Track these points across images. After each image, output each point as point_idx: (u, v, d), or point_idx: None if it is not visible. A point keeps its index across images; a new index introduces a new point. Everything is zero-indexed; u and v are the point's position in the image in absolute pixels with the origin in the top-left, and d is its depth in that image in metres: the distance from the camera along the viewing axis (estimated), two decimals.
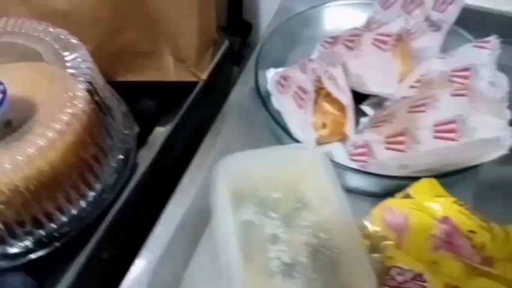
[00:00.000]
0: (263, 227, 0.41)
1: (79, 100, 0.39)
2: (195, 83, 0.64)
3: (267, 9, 0.82)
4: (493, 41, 0.53)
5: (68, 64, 0.42)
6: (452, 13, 0.57)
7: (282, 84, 0.57)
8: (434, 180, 0.47)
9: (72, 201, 0.42)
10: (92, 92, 0.41)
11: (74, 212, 0.42)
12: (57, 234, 0.42)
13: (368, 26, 0.60)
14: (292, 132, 0.54)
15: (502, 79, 0.53)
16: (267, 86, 0.60)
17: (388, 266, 0.43)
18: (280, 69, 0.61)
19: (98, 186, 0.44)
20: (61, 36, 0.44)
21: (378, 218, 0.46)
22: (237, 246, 0.39)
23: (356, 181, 0.51)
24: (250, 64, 0.63)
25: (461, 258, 0.43)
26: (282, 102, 0.57)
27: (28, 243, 0.40)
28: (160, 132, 0.60)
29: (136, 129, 0.54)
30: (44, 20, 0.46)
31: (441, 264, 0.43)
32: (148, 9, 0.51)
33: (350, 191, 0.51)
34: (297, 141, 0.52)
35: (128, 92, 0.55)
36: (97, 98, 0.42)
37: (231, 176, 0.44)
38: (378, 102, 0.58)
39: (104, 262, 0.49)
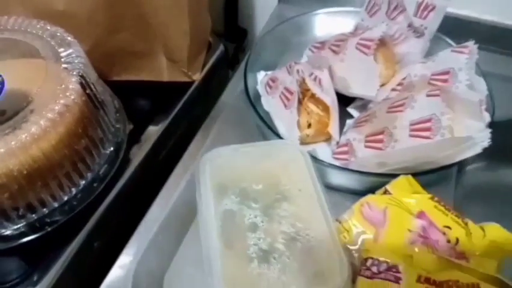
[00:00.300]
0: (243, 216, 0.43)
1: (71, 92, 0.42)
2: (189, 85, 0.67)
3: (262, 17, 0.85)
4: (471, 46, 0.55)
5: (63, 59, 0.45)
6: (433, 20, 0.59)
7: (270, 85, 0.60)
8: (411, 178, 0.48)
9: (64, 188, 0.44)
10: (84, 85, 0.44)
11: (65, 198, 0.44)
12: (48, 220, 0.44)
13: (355, 32, 0.63)
14: (279, 132, 0.56)
15: (481, 83, 0.55)
16: (257, 88, 0.63)
17: (364, 257, 0.44)
18: (270, 72, 0.63)
19: (89, 175, 0.46)
20: (57, 33, 0.47)
21: (357, 213, 0.48)
22: (217, 233, 0.41)
23: (339, 179, 0.53)
24: (243, 67, 0.66)
25: (436, 252, 0.45)
26: (270, 103, 0.59)
27: (21, 226, 0.42)
28: (154, 131, 0.62)
29: (130, 126, 0.56)
30: (42, 20, 0.49)
31: (416, 257, 0.44)
32: (141, 11, 0.54)
33: (332, 188, 0.53)
34: (282, 139, 0.54)
35: (124, 91, 0.58)
36: (88, 91, 0.45)
37: (215, 169, 0.46)
38: (364, 104, 0.61)
39: (95, 251, 0.51)
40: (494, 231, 0.47)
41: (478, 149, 0.48)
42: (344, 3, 0.72)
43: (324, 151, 0.56)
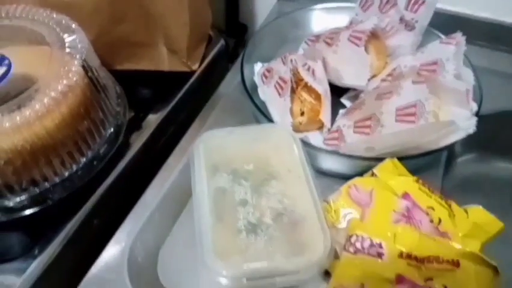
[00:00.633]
0: (234, 192, 0.45)
1: (73, 74, 0.45)
2: (189, 76, 0.69)
3: (262, 13, 0.88)
4: (459, 37, 0.57)
5: (67, 44, 0.48)
6: (424, 13, 0.62)
7: (266, 75, 0.62)
8: (396, 161, 0.50)
9: (65, 165, 0.47)
10: (86, 68, 0.47)
11: (66, 174, 0.47)
12: (50, 194, 0.46)
13: (349, 26, 0.65)
14: (274, 119, 0.58)
15: (468, 74, 0.57)
16: (254, 79, 0.65)
17: (349, 234, 0.46)
18: (266, 64, 0.66)
19: (89, 153, 0.49)
20: (62, 21, 0.50)
21: (344, 195, 0.50)
22: (208, 207, 0.44)
23: (328, 163, 0.55)
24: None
25: (419, 231, 0.46)
26: (266, 92, 0.61)
27: (24, 199, 0.45)
28: (154, 119, 0.65)
29: (130, 114, 0.59)
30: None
31: (399, 235, 0.46)
32: (143, 2, 0.57)
33: (323, 173, 0.55)
34: None
35: (127, 80, 0.61)
36: (90, 75, 0.48)
37: (208, 150, 0.49)
38: (356, 95, 0.63)
39: (94, 228, 0.53)
40: (478, 213, 0.49)
41: (461, 134, 0.50)
42: None
43: (316, 138, 0.59)
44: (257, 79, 0.64)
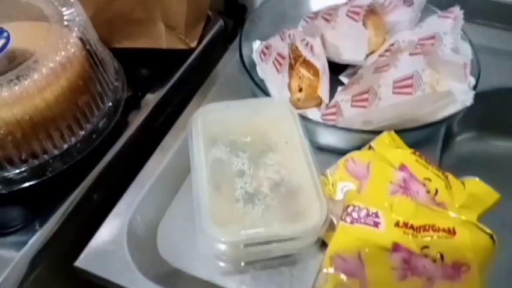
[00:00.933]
0: (232, 163, 0.46)
1: (71, 45, 0.45)
2: (187, 55, 0.69)
3: None
4: (456, 11, 0.57)
5: (65, 17, 0.48)
6: None
7: (265, 52, 0.62)
8: (393, 134, 0.51)
9: (65, 138, 0.47)
10: (84, 41, 0.47)
11: (65, 146, 0.47)
12: (49, 167, 0.47)
13: (347, 2, 0.65)
14: (272, 95, 0.58)
15: (466, 47, 0.57)
16: (252, 57, 0.65)
17: (346, 205, 0.47)
18: (265, 42, 0.66)
19: (88, 126, 0.49)
20: None
21: (342, 168, 0.50)
22: (206, 178, 0.44)
23: (326, 138, 0.55)
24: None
25: (416, 201, 0.47)
26: (264, 69, 0.62)
27: (23, 170, 0.45)
28: (152, 98, 0.65)
29: (128, 93, 0.59)
30: None
31: (396, 205, 0.46)
32: None
33: (321, 148, 0.55)
34: None
35: (125, 59, 0.61)
36: (88, 47, 0.48)
37: (206, 123, 0.49)
38: (355, 72, 0.63)
39: (94, 202, 0.54)
40: (474, 184, 0.49)
41: (458, 106, 0.50)
42: None
43: (314, 115, 0.59)
44: (255, 57, 0.64)
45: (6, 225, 0.48)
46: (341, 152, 0.53)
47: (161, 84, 0.66)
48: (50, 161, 0.47)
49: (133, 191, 0.52)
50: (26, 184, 0.46)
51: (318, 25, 0.63)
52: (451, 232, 0.43)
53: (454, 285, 0.41)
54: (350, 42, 0.59)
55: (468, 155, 0.73)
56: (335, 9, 0.62)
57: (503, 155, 0.73)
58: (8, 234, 0.48)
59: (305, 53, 0.57)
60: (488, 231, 0.43)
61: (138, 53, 0.65)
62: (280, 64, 0.59)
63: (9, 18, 0.52)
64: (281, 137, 0.48)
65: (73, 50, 0.45)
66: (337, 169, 0.50)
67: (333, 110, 0.56)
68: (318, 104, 0.60)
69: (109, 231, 0.48)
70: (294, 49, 0.59)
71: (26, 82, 0.42)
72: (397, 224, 0.45)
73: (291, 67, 0.59)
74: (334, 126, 0.53)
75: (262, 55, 0.63)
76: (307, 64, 0.59)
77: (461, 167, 0.69)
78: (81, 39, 0.46)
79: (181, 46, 0.64)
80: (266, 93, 0.57)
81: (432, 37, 0.55)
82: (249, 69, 0.60)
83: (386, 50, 0.59)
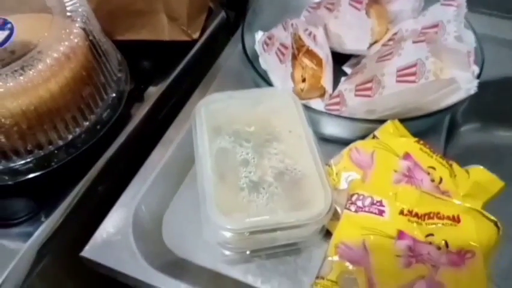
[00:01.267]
0: (236, 153, 0.46)
1: (75, 35, 0.45)
2: (190, 47, 0.69)
3: None
4: None
5: (68, 8, 0.48)
6: None
7: (267, 43, 0.62)
8: (397, 122, 0.50)
9: (69, 128, 0.47)
10: (87, 31, 0.47)
11: (70, 137, 0.47)
12: (54, 158, 0.47)
13: None
14: (275, 86, 0.58)
15: (469, 36, 0.57)
16: (255, 48, 0.65)
17: (350, 193, 0.47)
18: (267, 32, 0.66)
19: (92, 117, 0.49)
20: None
21: (346, 157, 0.50)
22: (211, 167, 0.44)
23: (330, 128, 0.55)
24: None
25: (420, 189, 0.47)
26: (267, 60, 0.61)
27: (29, 161, 0.46)
28: (155, 90, 0.65)
29: (131, 86, 0.59)
30: None
31: (400, 193, 0.46)
32: None
33: (325, 139, 0.55)
34: None
35: (128, 51, 0.61)
36: (91, 38, 0.48)
37: (210, 113, 0.49)
38: (358, 62, 0.63)
39: (99, 194, 0.54)
40: (479, 172, 0.49)
41: (462, 94, 0.50)
42: None
43: (318, 105, 0.59)
44: (258, 47, 0.64)
45: (13, 217, 0.49)
46: (345, 142, 0.53)
47: (164, 77, 0.66)
48: (55, 151, 0.47)
49: (138, 182, 0.52)
50: (32, 175, 0.46)
51: (320, 15, 0.63)
52: (456, 219, 0.43)
53: (458, 272, 0.41)
54: (353, 32, 0.59)
55: (472, 145, 0.72)
56: None
57: (507, 145, 0.73)
58: (14, 225, 0.48)
59: (308, 42, 0.57)
60: (493, 218, 0.43)
61: (140, 46, 0.65)
62: (283, 54, 0.59)
63: (12, 11, 0.52)
64: (285, 126, 0.48)
65: (76, 40, 0.45)
66: (341, 159, 0.50)
67: (337, 99, 0.56)
68: (322, 95, 0.60)
69: (114, 221, 0.49)
70: (297, 39, 0.59)
71: (31, 72, 0.42)
72: (402, 212, 0.45)
73: (294, 57, 0.59)
74: (338, 116, 0.53)
75: (264, 45, 0.63)
76: (310, 54, 0.59)
77: (465, 158, 0.69)
78: (84, 30, 0.47)
79: (184, 37, 0.64)
80: (269, 84, 0.57)
81: (436, 25, 0.55)
82: (251, 60, 0.60)
83: (389, 39, 0.59)
